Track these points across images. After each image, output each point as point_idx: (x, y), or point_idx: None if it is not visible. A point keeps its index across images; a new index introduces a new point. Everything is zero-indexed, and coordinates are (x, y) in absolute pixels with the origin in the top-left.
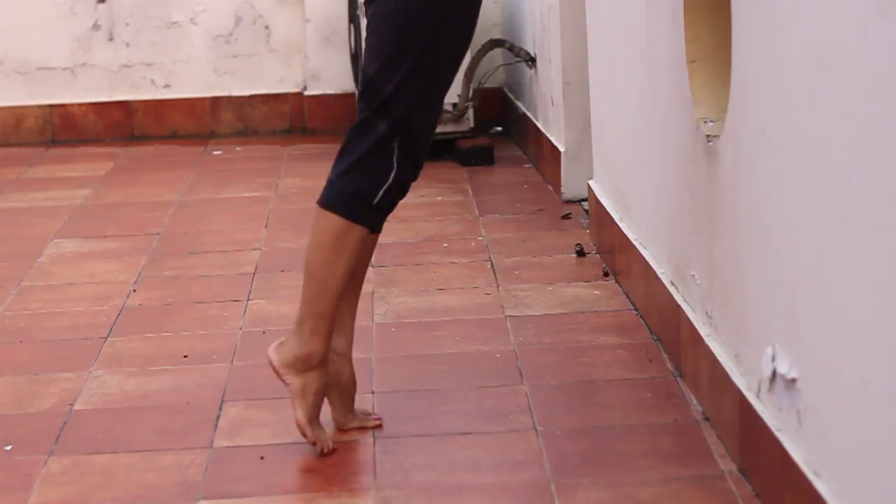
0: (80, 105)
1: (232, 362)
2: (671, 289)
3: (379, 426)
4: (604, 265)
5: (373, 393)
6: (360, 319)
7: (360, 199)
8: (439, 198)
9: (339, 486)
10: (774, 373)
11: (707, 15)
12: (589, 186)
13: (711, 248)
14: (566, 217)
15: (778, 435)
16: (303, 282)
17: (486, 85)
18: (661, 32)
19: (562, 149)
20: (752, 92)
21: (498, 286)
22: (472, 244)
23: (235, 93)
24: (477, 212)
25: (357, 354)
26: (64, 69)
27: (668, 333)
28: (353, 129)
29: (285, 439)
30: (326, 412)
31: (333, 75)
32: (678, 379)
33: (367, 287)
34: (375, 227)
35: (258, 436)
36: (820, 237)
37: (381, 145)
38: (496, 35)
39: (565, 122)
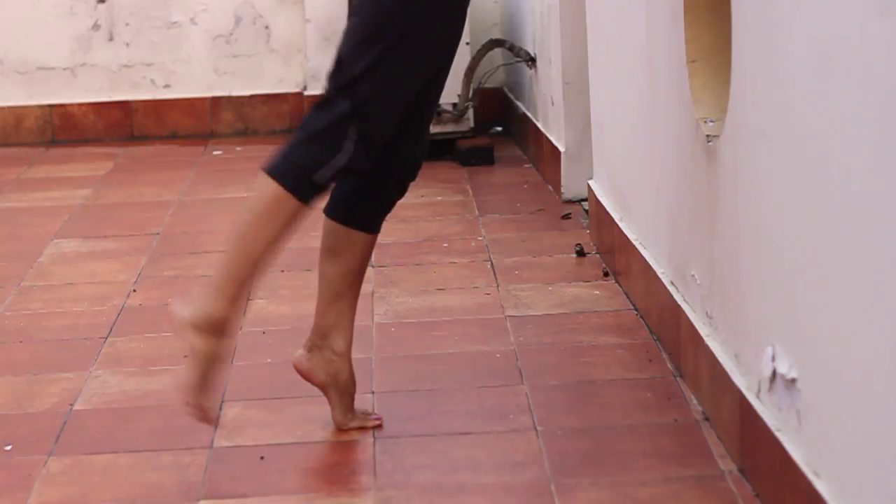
0: (80, 105)
1: (232, 362)
2: (671, 289)
3: (379, 426)
4: (604, 265)
5: (373, 393)
6: (360, 319)
7: (303, 172)
8: (439, 198)
9: (339, 486)
10: (774, 373)
11: (707, 15)
12: (589, 186)
13: (711, 248)
14: (566, 217)
15: (778, 435)
16: (227, 244)
17: (486, 85)
18: (661, 32)
19: (562, 149)
20: (752, 92)
21: (498, 286)
22: (472, 244)
23: (235, 93)
24: (477, 212)
25: (357, 354)
26: (64, 69)
27: (668, 333)
28: (316, 105)
29: (285, 439)
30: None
31: None
32: (678, 379)
33: (367, 287)
34: (309, 202)
35: (258, 436)
36: (820, 237)
37: (337, 124)
38: (496, 35)
39: (565, 122)
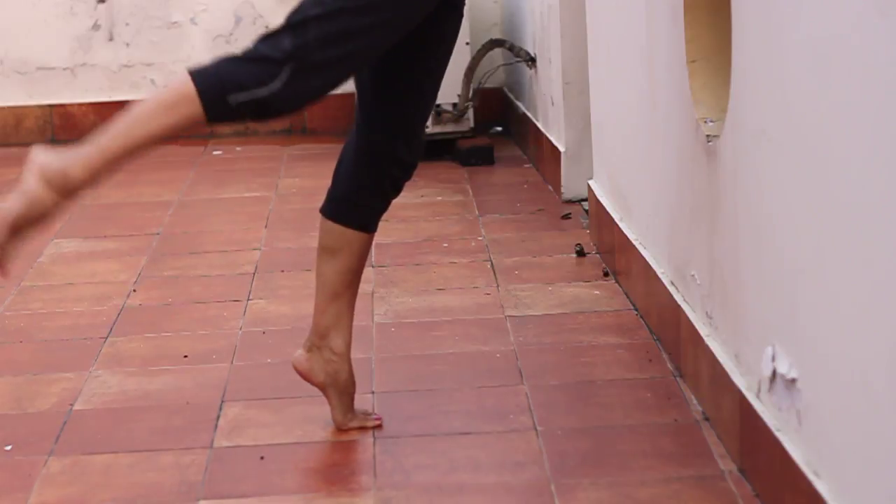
0: (80, 105)
1: (232, 362)
2: (671, 289)
3: (379, 426)
4: (604, 265)
5: (373, 393)
6: (360, 319)
7: (223, 87)
8: (439, 198)
9: (339, 486)
10: (774, 373)
11: (707, 15)
12: (589, 186)
13: (711, 248)
14: (566, 217)
15: (778, 435)
16: (119, 119)
17: (486, 85)
18: (661, 32)
19: (562, 149)
20: (752, 92)
21: (498, 286)
22: (472, 244)
23: None
24: (477, 212)
25: (357, 354)
26: (64, 69)
27: (668, 333)
28: (262, 36)
29: (285, 439)
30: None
31: None
32: (678, 379)
33: (367, 287)
34: (212, 120)
35: (258, 436)
36: (820, 237)
37: (274, 59)
38: (496, 35)
39: (565, 122)
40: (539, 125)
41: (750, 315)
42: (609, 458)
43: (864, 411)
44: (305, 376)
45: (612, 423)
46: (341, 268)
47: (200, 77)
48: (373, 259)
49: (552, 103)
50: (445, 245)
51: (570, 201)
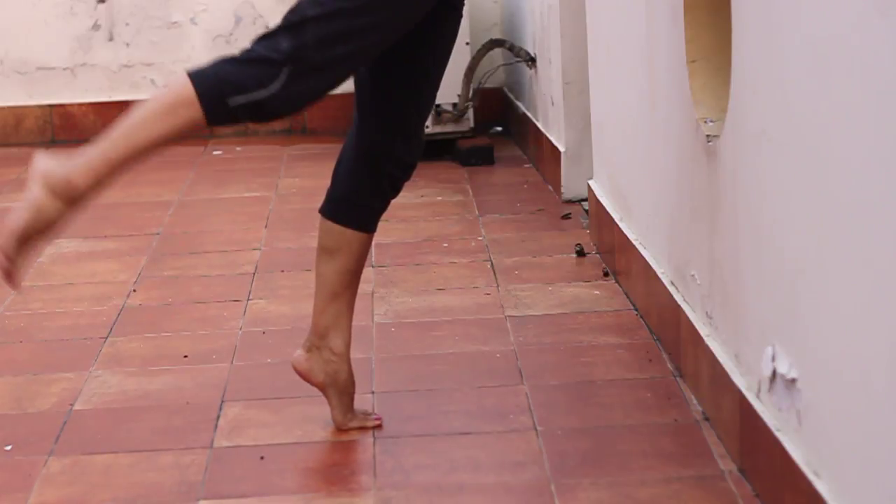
0: (80, 105)
1: (232, 362)
2: (671, 289)
3: (379, 426)
4: (604, 265)
5: (373, 393)
6: (360, 319)
7: (222, 89)
8: (439, 198)
9: (339, 486)
10: (774, 373)
11: (707, 15)
12: (589, 186)
13: (711, 248)
14: (566, 217)
15: (778, 435)
16: (120, 124)
17: (486, 85)
18: (661, 32)
19: (562, 149)
20: (752, 92)
21: (498, 286)
22: (472, 244)
23: None
24: (477, 212)
25: (357, 354)
26: (64, 69)
27: (668, 333)
28: (260, 36)
29: (285, 439)
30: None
31: None
32: (678, 379)
33: (366, 287)
34: (211, 121)
35: (258, 436)
36: (820, 237)
37: (272, 61)
38: (496, 35)
39: (565, 122)
40: (539, 125)
41: (750, 315)
42: (609, 458)
43: (864, 411)
44: (305, 376)
45: (612, 423)
46: (340, 268)
47: (199, 80)
48: (373, 259)
49: (552, 103)
50: (445, 245)
51: (570, 201)
